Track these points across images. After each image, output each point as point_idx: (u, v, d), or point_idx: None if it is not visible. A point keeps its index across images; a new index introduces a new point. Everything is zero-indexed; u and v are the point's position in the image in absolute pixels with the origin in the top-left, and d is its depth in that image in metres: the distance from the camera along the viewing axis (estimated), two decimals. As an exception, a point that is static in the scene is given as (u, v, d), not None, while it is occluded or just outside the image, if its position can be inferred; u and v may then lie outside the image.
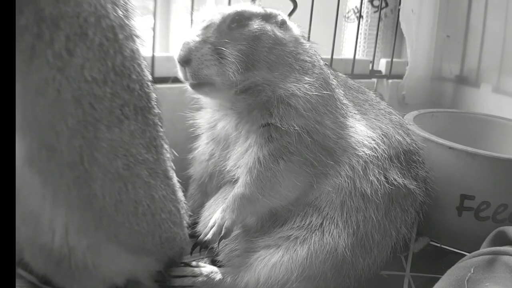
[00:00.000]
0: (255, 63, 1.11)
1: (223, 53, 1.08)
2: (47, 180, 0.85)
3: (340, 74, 1.36)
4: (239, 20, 1.12)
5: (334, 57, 1.87)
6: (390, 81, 2.16)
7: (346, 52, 2.26)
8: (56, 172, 0.84)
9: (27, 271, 1.08)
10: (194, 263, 1.18)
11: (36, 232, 0.91)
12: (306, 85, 1.13)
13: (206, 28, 1.10)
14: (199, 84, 1.11)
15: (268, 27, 1.15)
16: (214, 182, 1.31)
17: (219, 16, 1.12)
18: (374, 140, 1.17)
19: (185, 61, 1.07)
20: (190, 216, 1.16)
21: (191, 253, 1.14)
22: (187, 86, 1.14)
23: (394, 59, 2.15)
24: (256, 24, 1.13)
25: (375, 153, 1.15)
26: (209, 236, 1.11)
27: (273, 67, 1.13)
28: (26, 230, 0.91)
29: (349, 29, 2.25)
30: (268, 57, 1.12)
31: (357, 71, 2.00)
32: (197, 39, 1.08)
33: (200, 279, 1.14)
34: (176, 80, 1.16)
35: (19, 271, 1.09)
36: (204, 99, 1.27)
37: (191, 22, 1.43)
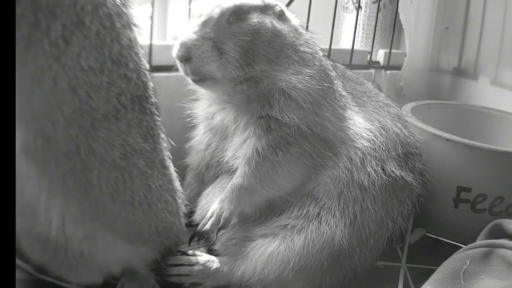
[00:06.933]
0: (255, 57, 1.10)
1: (223, 49, 1.07)
2: (43, 170, 0.84)
3: (338, 65, 1.36)
4: (238, 14, 1.11)
5: (332, 47, 1.86)
6: (388, 72, 2.16)
7: (344, 42, 2.25)
8: (52, 162, 0.83)
9: (24, 260, 1.09)
10: (190, 252, 1.18)
11: (33, 222, 0.91)
12: (307, 78, 1.12)
13: (205, 23, 1.09)
14: (201, 79, 1.11)
15: (267, 19, 1.14)
16: (211, 171, 1.31)
17: (218, 11, 1.10)
18: (372, 132, 1.18)
19: (185, 59, 1.07)
20: (186, 205, 1.16)
21: (189, 244, 1.15)
22: (188, 78, 1.14)
23: (392, 50, 2.15)
24: (255, 18, 1.12)
25: (373, 145, 1.16)
26: (207, 226, 1.11)
27: (273, 59, 1.12)
28: (22, 220, 0.91)
29: (347, 19, 2.24)
30: (268, 50, 1.12)
31: (355, 62, 1.99)
32: (195, 36, 1.07)
33: (196, 268, 1.14)
34: (176, 68, 1.16)
35: (16, 261, 1.09)
36: (201, 91, 1.27)
37: (189, 12, 1.42)
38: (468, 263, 1.08)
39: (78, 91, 0.80)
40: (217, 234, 1.13)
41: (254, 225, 1.18)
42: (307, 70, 1.14)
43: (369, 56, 2.13)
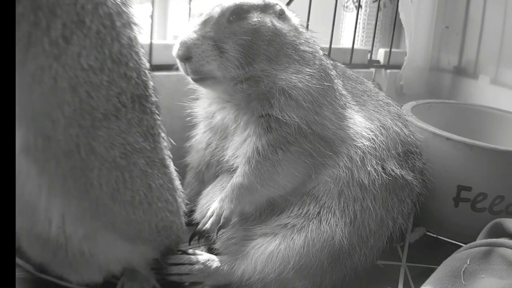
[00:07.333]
0: (256, 56, 1.10)
1: (223, 48, 1.07)
2: (44, 170, 0.84)
3: (339, 64, 1.36)
4: (238, 13, 1.11)
5: (332, 46, 1.86)
6: (388, 71, 2.16)
7: (344, 41, 2.25)
8: (52, 161, 0.83)
9: (24, 259, 1.09)
10: (191, 251, 1.19)
11: (33, 221, 0.91)
12: (307, 77, 1.12)
13: (205, 22, 1.09)
14: (201, 79, 1.11)
15: (267, 18, 1.14)
16: (212, 170, 1.31)
17: (218, 10, 1.10)
18: (372, 131, 1.18)
19: (185, 58, 1.07)
20: (187, 204, 1.16)
21: (189, 243, 1.15)
22: (188, 77, 1.14)
23: (392, 49, 2.15)
24: (255, 17, 1.12)
25: (373, 144, 1.16)
26: (207, 226, 1.12)
27: (273, 58, 1.12)
28: (22, 220, 0.91)
29: (347, 18, 2.24)
30: (268, 49, 1.12)
31: (355, 61, 1.99)
32: (195, 35, 1.07)
33: (196, 267, 1.15)
34: (176, 67, 1.16)
35: (16, 260, 1.09)
36: (202, 90, 1.27)
37: (190, 11, 1.42)
38: (468, 262, 1.08)
39: (78, 90, 0.80)
40: (217, 233, 1.13)
41: (254, 224, 1.18)
42: (307, 69, 1.14)
43: (369, 55, 2.13)
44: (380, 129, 1.20)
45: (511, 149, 1.33)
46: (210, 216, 1.12)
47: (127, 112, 0.88)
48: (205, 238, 1.16)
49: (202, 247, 1.27)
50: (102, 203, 0.90)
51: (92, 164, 0.86)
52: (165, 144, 1.03)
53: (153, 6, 1.53)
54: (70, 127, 0.81)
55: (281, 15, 1.18)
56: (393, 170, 1.17)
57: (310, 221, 1.12)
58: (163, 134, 1.03)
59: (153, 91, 0.97)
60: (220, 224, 1.11)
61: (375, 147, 1.16)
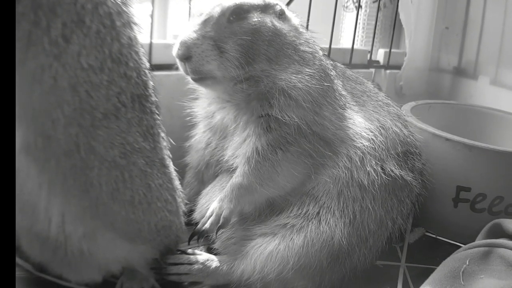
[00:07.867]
0: (255, 56, 1.10)
1: (223, 48, 1.07)
2: (43, 169, 0.84)
3: (338, 64, 1.36)
4: (238, 13, 1.11)
5: (332, 46, 1.86)
6: (388, 71, 2.16)
7: (344, 42, 2.25)
8: (52, 160, 0.83)
9: (23, 259, 1.09)
10: (190, 250, 1.19)
11: (33, 220, 0.91)
12: (307, 77, 1.12)
13: (205, 22, 1.09)
14: (201, 78, 1.11)
15: (267, 18, 1.14)
16: (211, 170, 1.31)
17: (218, 9, 1.10)
18: (372, 132, 1.18)
19: (185, 58, 1.07)
20: (186, 204, 1.17)
21: (189, 242, 1.15)
22: (188, 77, 1.14)
23: (392, 50, 2.14)
24: (255, 17, 1.12)
25: (373, 145, 1.16)
26: (207, 225, 1.12)
27: (273, 59, 1.12)
28: (22, 218, 0.91)
29: (347, 19, 2.24)
30: (268, 49, 1.12)
31: (355, 61, 1.99)
32: (195, 35, 1.07)
33: (196, 266, 1.15)
34: (176, 67, 1.15)
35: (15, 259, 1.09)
36: (201, 90, 1.27)
37: (190, 11, 1.42)
38: (467, 263, 1.08)
39: (78, 89, 0.80)
40: (216, 233, 1.14)
41: (253, 224, 1.18)
42: (307, 70, 1.14)
43: (369, 56, 2.13)
44: (380, 130, 1.20)
45: (510, 150, 1.33)
46: (210, 216, 1.13)
47: (127, 112, 0.88)
48: (204, 238, 1.16)
49: (201, 247, 1.27)
50: (101, 202, 0.90)
51: (92, 163, 0.86)
52: (164, 143, 1.03)
53: (153, 6, 1.53)
54: (70, 126, 0.81)
55: (281, 15, 1.19)
56: (392, 171, 1.17)
57: (309, 221, 1.12)
58: (162, 134, 1.03)
59: (153, 91, 0.97)
60: (219, 224, 1.11)
61: (375, 148, 1.16)
